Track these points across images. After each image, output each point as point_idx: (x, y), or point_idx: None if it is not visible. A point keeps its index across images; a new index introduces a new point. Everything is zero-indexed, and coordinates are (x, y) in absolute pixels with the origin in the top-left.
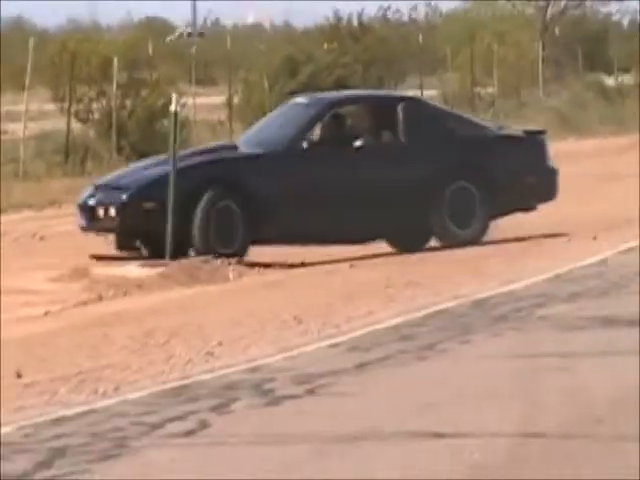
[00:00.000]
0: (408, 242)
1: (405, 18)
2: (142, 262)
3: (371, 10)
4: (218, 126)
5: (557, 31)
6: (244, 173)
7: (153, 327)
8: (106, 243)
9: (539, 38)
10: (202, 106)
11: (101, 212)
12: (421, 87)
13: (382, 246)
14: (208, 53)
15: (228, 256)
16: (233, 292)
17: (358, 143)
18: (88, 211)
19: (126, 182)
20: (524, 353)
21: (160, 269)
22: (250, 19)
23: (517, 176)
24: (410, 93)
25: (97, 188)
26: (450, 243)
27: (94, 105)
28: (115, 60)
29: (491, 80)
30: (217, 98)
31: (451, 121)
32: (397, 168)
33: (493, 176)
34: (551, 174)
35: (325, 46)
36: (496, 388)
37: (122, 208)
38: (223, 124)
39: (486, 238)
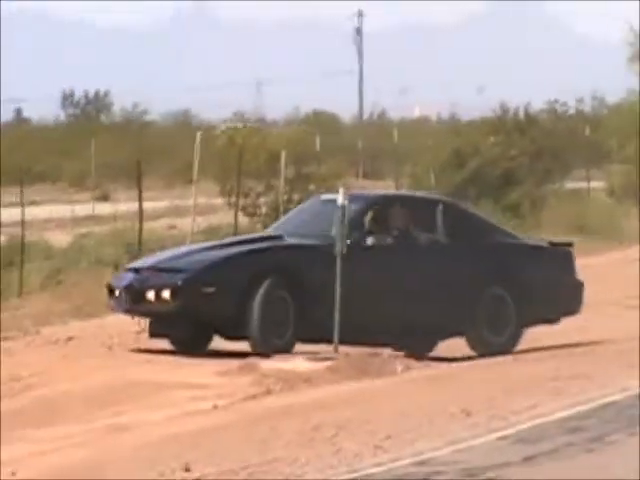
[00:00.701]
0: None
1: (572, 110)
2: (310, 356)
3: (537, 104)
4: None
5: None
6: (303, 264)
7: (321, 421)
8: (138, 327)
9: None
10: None
11: (151, 295)
12: (587, 179)
13: (544, 339)
14: (375, 147)
15: (280, 351)
16: (400, 385)
17: (405, 241)
18: (132, 293)
19: (181, 264)
20: None
21: (328, 363)
22: (416, 112)
23: (546, 287)
24: (576, 185)
25: (138, 270)
26: (482, 351)
27: (261, 199)
28: (283, 154)
29: None
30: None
31: (485, 227)
32: (440, 268)
33: (526, 285)
34: (577, 287)
35: (492, 139)
36: None
37: (179, 291)
38: None
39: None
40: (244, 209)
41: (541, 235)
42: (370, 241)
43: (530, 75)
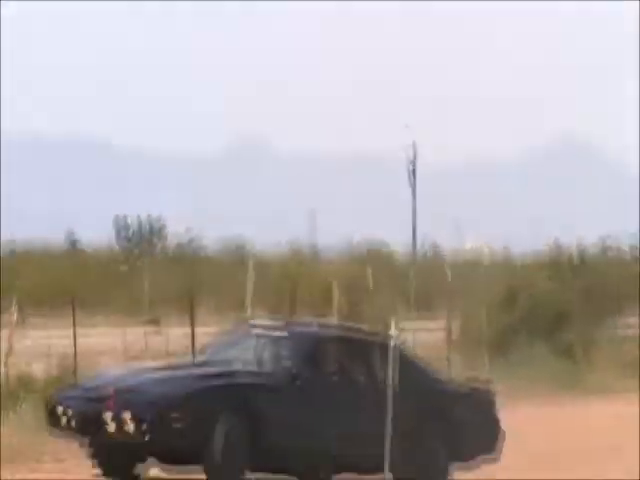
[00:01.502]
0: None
1: (625, 248)
2: None
3: (591, 238)
4: (437, 357)
5: None
6: (259, 402)
7: None
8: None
9: None
10: (420, 334)
11: (112, 427)
12: None
13: None
14: (427, 281)
15: None
16: None
17: (336, 379)
18: (88, 420)
19: (147, 396)
20: None
21: None
22: (469, 244)
23: (469, 428)
24: (628, 329)
25: (92, 397)
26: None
27: None
28: (335, 287)
29: None
30: (435, 328)
31: (418, 371)
32: (378, 408)
33: (453, 427)
34: (494, 428)
35: (547, 278)
36: None
37: (146, 425)
38: (441, 356)
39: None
40: None
41: (595, 376)
42: (301, 381)
43: (582, 208)
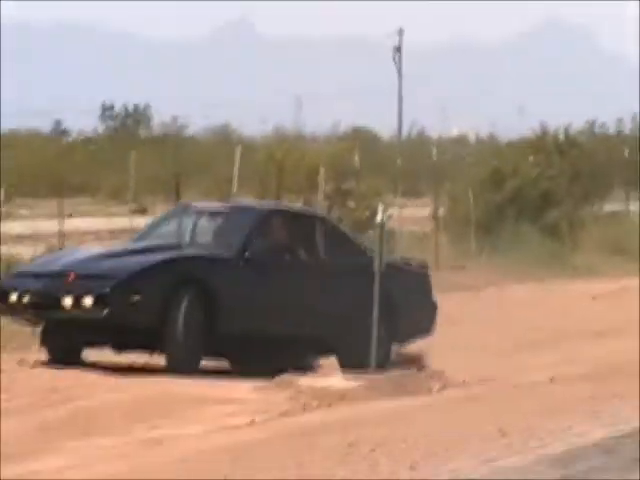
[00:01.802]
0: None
1: (611, 131)
2: (346, 374)
3: (577, 124)
4: (424, 238)
5: None
6: (213, 274)
7: (357, 438)
8: (32, 333)
9: None
10: (407, 218)
11: (68, 301)
12: (627, 201)
13: (578, 362)
14: (413, 164)
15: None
16: (436, 404)
17: (281, 253)
18: (44, 299)
19: (103, 270)
20: None
21: (365, 381)
22: (455, 131)
23: (406, 306)
24: (615, 207)
25: (44, 275)
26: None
27: None
28: (322, 170)
29: None
30: (422, 210)
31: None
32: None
33: (392, 304)
34: (432, 308)
35: (531, 158)
36: None
37: (104, 299)
38: (428, 236)
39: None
40: None
41: (580, 256)
42: (250, 253)
43: (570, 96)
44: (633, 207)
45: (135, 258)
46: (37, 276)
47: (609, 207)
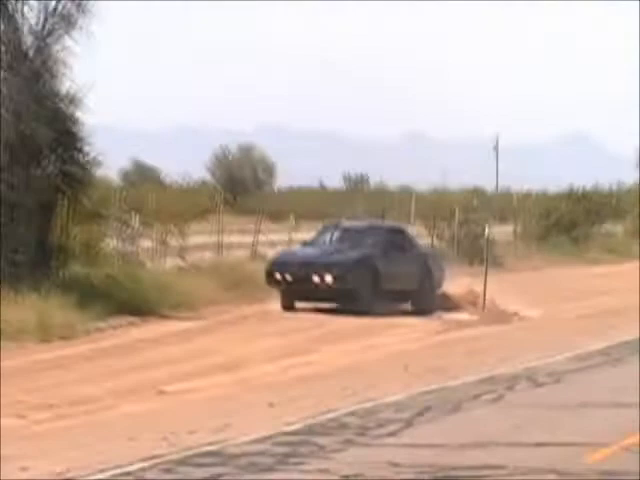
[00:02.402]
0: None
1: (606, 189)
2: (470, 310)
3: (588, 185)
4: (508, 244)
5: None
6: (378, 262)
7: (474, 346)
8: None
9: None
10: (499, 233)
11: (316, 279)
12: (614, 225)
13: (590, 308)
14: (503, 206)
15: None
16: (517, 330)
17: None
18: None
19: (333, 261)
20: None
21: (478, 316)
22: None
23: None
24: (606, 228)
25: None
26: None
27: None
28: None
29: None
30: (508, 229)
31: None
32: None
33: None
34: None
35: (563, 204)
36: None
37: (340, 276)
38: (511, 242)
39: None
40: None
41: (590, 254)
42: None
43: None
44: (618, 228)
45: (343, 255)
46: (289, 264)
47: (603, 229)
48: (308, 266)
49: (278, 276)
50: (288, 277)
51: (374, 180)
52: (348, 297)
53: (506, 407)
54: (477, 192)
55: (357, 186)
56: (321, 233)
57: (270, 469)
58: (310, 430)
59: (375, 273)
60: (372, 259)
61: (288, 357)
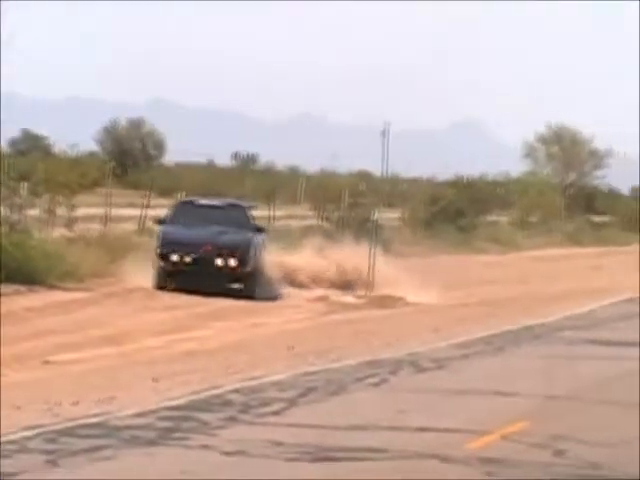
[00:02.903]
0: None
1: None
2: (354, 294)
3: (475, 172)
4: (396, 228)
5: (570, 191)
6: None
7: (359, 328)
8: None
9: (561, 194)
10: (387, 218)
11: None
12: (498, 215)
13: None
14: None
15: None
16: (401, 314)
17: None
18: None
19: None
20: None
21: (364, 299)
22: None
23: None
24: (490, 218)
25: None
26: None
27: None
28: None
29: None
30: (395, 214)
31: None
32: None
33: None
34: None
35: (450, 191)
36: None
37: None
38: (398, 227)
39: None
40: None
41: (476, 242)
42: None
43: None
44: (502, 218)
45: (239, 235)
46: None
47: (489, 218)
48: (203, 246)
49: (175, 258)
50: (187, 259)
51: (264, 160)
52: (248, 280)
53: (389, 391)
54: (366, 176)
55: (246, 165)
56: (177, 210)
57: (153, 443)
58: (194, 406)
59: (259, 254)
60: (253, 239)
61: (174, 332)
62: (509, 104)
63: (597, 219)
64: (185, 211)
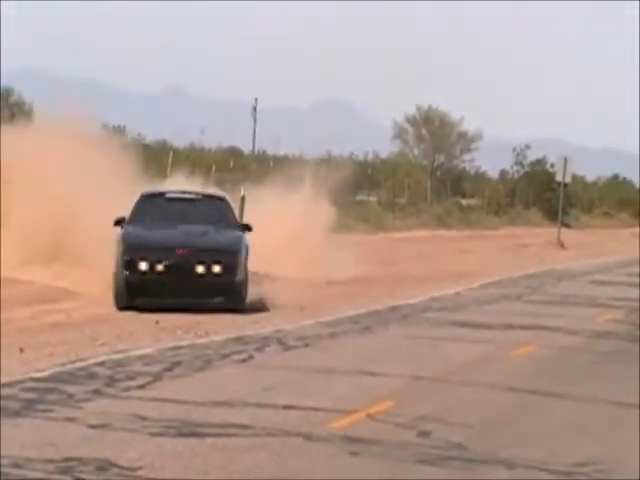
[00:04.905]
0: None
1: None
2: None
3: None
4: None
5: (438, 174)
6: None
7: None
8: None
9: (429, 176)
10: None
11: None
12: (368, 195)
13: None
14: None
15: None
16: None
17: None
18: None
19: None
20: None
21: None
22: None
23: None
24: (359, 197)
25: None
26: None
27: None
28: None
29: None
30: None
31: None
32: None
33: None
34: None
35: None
36: None
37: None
38: None
39: None
40: None
41: (343, 222)
42: None
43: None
44: (372, 198)
45: (224, 236)
46: (154, 249)
47: (358, 197)
48: (179, 250)
49: (143, 266)
50: (159, 267)
51: (131, 133)
52: (232, 292)
53: (255, 368)
54: (234, 152)
55: (114, 137)
56: (140, 206)
57: (17, 414)
58: (59, 378)
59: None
60: (243, 240)
61: (42, 303)
62: (380, 86)
63: (465, 202)
64: (151, 206)
